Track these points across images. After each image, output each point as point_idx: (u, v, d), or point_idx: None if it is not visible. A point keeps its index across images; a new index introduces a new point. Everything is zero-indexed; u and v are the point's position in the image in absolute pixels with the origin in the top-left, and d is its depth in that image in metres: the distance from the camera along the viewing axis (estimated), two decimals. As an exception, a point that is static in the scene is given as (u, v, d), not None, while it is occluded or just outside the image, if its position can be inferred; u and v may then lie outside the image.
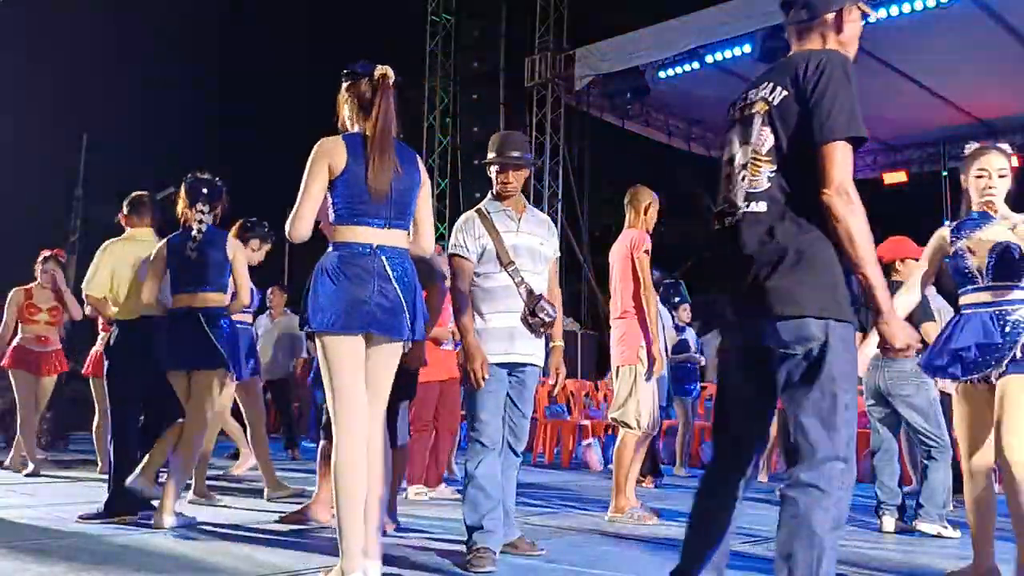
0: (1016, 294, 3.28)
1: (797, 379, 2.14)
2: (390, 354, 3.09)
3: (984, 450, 3.37)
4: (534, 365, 3.70)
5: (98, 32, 22.58)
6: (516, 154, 3.76)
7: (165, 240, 4.49)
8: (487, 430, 3.55)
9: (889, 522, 4.78)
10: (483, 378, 3.50)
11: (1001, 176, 3.40)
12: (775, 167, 2.21)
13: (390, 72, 3.11)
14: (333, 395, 2.96)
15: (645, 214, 5.03)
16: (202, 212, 4.41)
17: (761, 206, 2.22)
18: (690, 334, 8.42)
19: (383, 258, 2.99)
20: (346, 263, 2.96)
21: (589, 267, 13.71)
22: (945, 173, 13.77)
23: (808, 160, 2.14)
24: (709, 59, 11.40)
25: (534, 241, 3.73)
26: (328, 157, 2.99)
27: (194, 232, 4.37)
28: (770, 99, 2.24)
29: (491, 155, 3.80)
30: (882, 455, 4.91)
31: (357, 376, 2.99)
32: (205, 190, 4.45)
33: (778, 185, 2.20)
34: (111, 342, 4.59)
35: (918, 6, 9.54)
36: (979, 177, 3.41)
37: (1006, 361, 3.19)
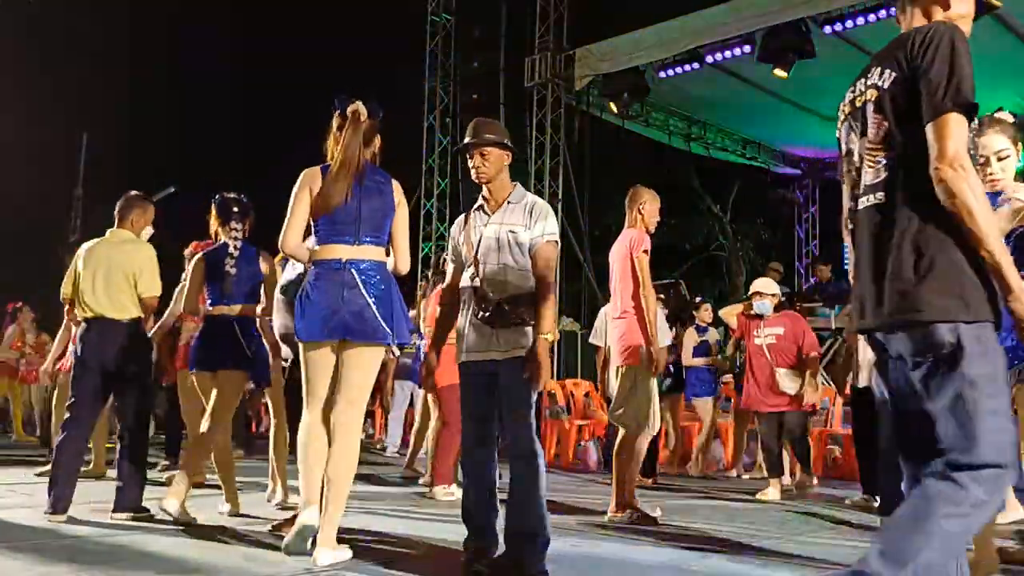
0: None
1: (931, 389, 1.95)
2: (365, 356, 3.47)
3: None
4: (502, 361, 3.38)
5: (99, 33, 22.58)
6: (490, 136, 3.58)
7: (202, 254, 4.83)
8: (464, 430, 3.56)
9: None
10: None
11: (1002, 158, 3.10)
12: (891, 154, 2.06)
13: (361, 108, 3.56)
14: (306, 389, 3.49)
15: (645, 214, 5.03)
16: (236, 229, 4.74)
17: (879, 197, 2.07)
18: (711, 335, 8.32)
19: (352, 271, 3.41)
20: (320, 277, 3.42)
21: (589, 267, 13.69)
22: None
23: (924, 142, 1.98)
24: (709, 59, 11.38)
25: (503, 231, 3.48)
26: (309, 183, 3.49)
27: (231, 249, 4.70)
28: (880, 83, 2.10)
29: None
30: None
31: (325, 375, 3.47)
32: (236, 208, 4.77)
33: (895, 174, 2.05)
34: (78, 340, 4.66)
35: (918, 6, 9.53)
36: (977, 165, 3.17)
37: None
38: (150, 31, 26.63)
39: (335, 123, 3.57)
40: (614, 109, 12.78)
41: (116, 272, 4.58)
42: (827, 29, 10.17)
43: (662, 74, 12.06)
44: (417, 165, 15.45)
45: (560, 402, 9.61)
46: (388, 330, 3.39)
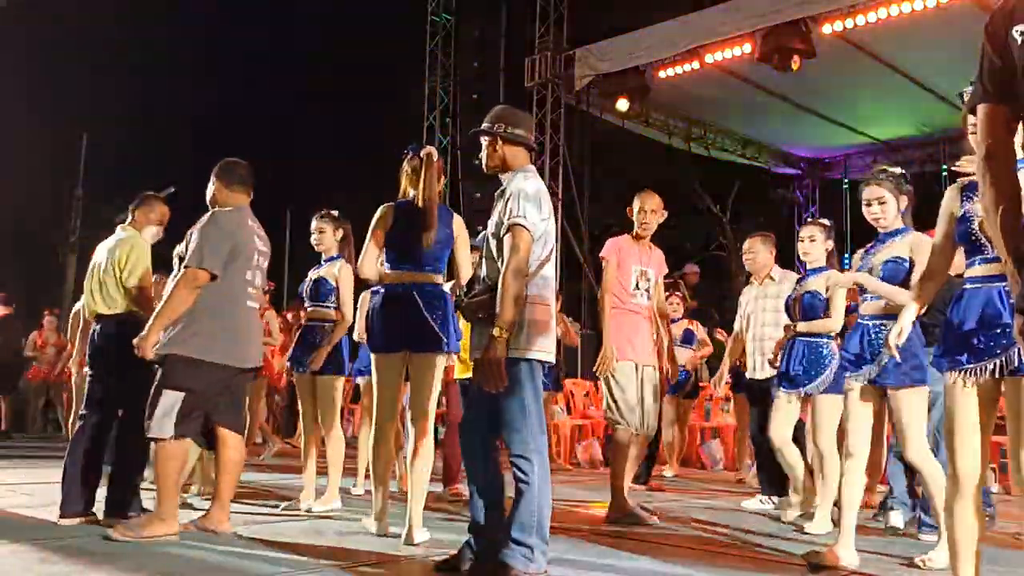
0: None
1: None
2: (427, 366, 3.97)
3: (973, 454, 2.57)
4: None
5: (98, 33, 22.59)
6: (482, 127, 3.46)
7: None
8: None
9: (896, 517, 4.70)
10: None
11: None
12: None
13: (433, 151, 4.06)
14: (376, 397, 4.04)
15: (632, 217, 5.07)
16: None
17: None
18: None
19: (414, 292, 3.91)
20: (388, 299, 3.95)
21: (589, 267, 13.69)
22: (945, 173, 13.77)
23: None
24: (709, 59, 11.38)
25: (490, 229, 3.40)
26: (383, 220, 4.02)
27: None
28: None
29: None
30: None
31: (393, 385, 4.03)
32: None
33: None
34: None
35: (918, 6, 9.54)
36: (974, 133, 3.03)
37: (1017, 351, 2.41)
38: (150, 31, 26.64)
39: (409, 165, 4.08)
40: (622, 109, 12.72)
41: (107, 268, 4.52)
42: (827, 29, 10.17)
43: (662, 74, 12.05)
44: (417, 165, 15.41)
45: (560, 402, 9.62)
46: (446, 340, 3.92)
